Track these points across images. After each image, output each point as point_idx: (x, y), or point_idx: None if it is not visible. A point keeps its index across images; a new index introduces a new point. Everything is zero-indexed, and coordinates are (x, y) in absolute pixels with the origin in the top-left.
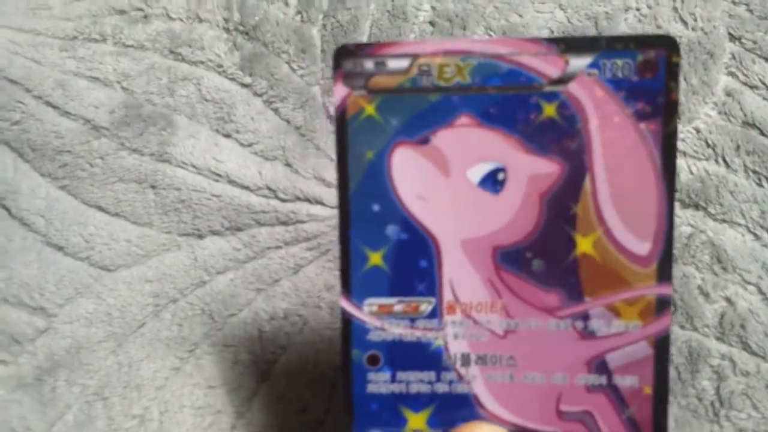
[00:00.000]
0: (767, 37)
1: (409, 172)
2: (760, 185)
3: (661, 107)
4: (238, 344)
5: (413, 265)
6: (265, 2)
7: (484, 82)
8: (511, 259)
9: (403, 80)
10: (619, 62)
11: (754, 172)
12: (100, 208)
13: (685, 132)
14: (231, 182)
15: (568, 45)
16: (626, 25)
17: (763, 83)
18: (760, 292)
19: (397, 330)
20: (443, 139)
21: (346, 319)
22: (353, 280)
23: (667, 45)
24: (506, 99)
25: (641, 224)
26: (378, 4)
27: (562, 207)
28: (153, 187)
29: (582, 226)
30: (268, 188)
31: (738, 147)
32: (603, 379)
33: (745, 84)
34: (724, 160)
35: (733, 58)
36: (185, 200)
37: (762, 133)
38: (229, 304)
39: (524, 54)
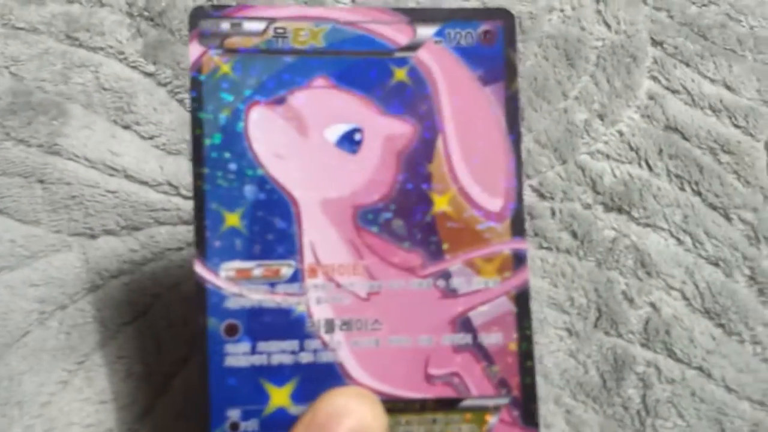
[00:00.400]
0: (687, 42)
1: (266, 132)
2: (682, 189)
3: (502, 71)
4: (133, 355)
5: (272, 226)
6: None
7: (338, 46)
8: (371, 219)
9: (259, 42)
10: (463, 32)
11: (677, 176)
12: None
13: (608, 135)
14: (128, 177)
15: (415, 15)
16: (550, 26)
17: (685, 88)
18: (684, 297)
19: (257, 296)
20: (300, 99)
21: (201, 286)
22: (208, 243)
23: (505, 17)
24: (360, 63)
25: (492, 182)
26: None
27: (418, 166)
28: (41, 181)
29: (437, 185)
30: (170, 184)
31: (661, 151)
32: (468, 338)
33: (667, 88)
34: (647, 164)
35: (656, 62)
36: (77, 196)
37: (684, 138)
38: (123, 310)
39: (375, 22)
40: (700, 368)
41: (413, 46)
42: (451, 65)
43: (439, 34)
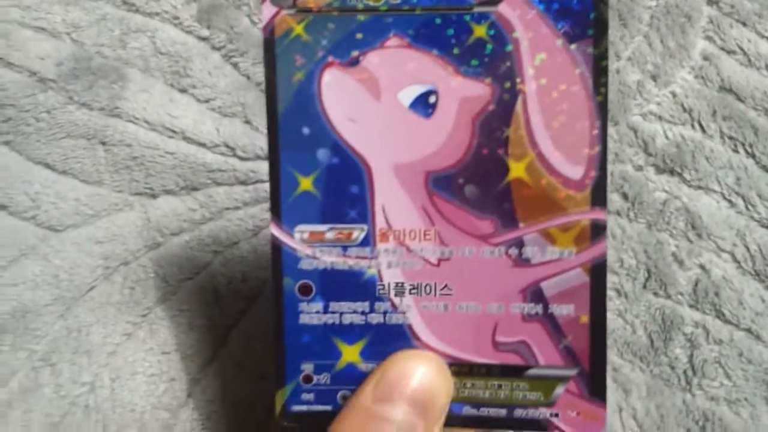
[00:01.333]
0: (744, 1)
1: (340, 95)
2: (735, 151)
3: (591, 28)
4: (194, 309)
5: (345, 190)
6: None
7: (413, 2)
8: (444, 185)
9: (332, 0)
10: None
11: (730, 138)
12: (47, 165)
13: (661, 96)
14: (186, 139)
15: None
16: None
17: (741, 48)
18: (735, 260)
19: (330, 258)
20: (373, 60)
21: (277, 247)
22: (283, 206)
23: None
24: (436, 20)
25: (574, 148)
26: None
27: (494, 131)
28: (103, 143)
29: (514, 150)
30: (226, 146)
31: (714, 112)
32: (539, 308)
33: (722, 49)
34: (701, 125)
35: (711, 22)
36: (137, 157)
37: (738, 99)
38: (184, 267)
39: None
40: (748, 330)
41: (494, 0)
42: (535, 20)
43: None
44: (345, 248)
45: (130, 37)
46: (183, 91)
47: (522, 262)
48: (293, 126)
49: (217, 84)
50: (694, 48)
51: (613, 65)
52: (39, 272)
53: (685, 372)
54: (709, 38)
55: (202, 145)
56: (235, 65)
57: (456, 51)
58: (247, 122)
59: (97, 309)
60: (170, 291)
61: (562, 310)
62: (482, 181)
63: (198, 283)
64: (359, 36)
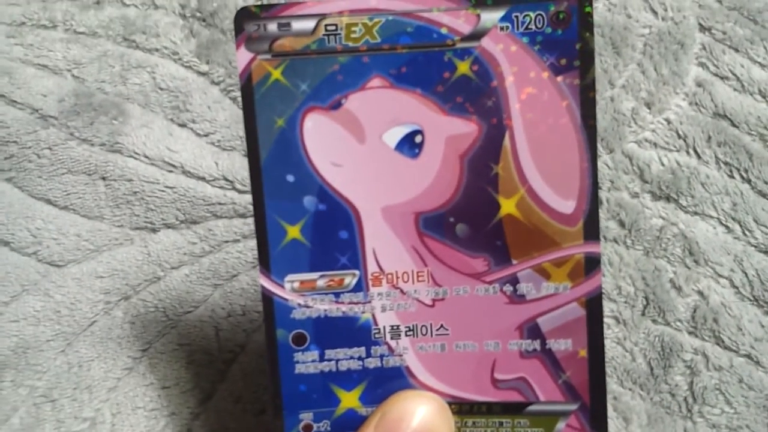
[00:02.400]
0: (737, 27)
1: (323, 139)
2: (731, 177)
3: (577, 58)
4: (194, 343)
5: (334, 236)
6: None
7: (394, 40)
8: (435, 225)
9: (310, 42)
10: (532, 15)
11: (726, 163)
12: (48, 201)
13: (655, 123)
14: (186, 173)
15: None
16: (596, 14)
17: (734, 74)
18: (733, 285)
19: (322, 306)
20: (356, 102)
21: (268, 298)
22: (272, 256)
23: None
24: (418, 58)
25: (564, 182)
26: None
27: (483, 168)
28: (104, 178)
29: (504, 187)
30: (225, 179)
31: (709, 138)
32: (536, 344)
33: (715, 75)
34: (696, 152)
35: (704, 48)
36: (137, 192)
37: (733, 124)
38: (184, 300)
39: (434, 10)
40: (748, 356)
41: (477, 35)
42: (520, 54)
43: (505, 18)
44: (337, 295)
45: (131, 73)
46: (182, 125)
47: (517, 298)
48: (277, 174)
49: (216, 118)
50: (688, 75)
51: (607, 93)
52: (40, 308)
53: (685, 399)
54: (702, 65)
55: (202, 178)
56: (233, 99)
57: (440, 89)
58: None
59: (98, 344)
60: (170, 325)
61: (559, 345)
62: (473, 220)
63: (198, 316)
64: (340, 78)
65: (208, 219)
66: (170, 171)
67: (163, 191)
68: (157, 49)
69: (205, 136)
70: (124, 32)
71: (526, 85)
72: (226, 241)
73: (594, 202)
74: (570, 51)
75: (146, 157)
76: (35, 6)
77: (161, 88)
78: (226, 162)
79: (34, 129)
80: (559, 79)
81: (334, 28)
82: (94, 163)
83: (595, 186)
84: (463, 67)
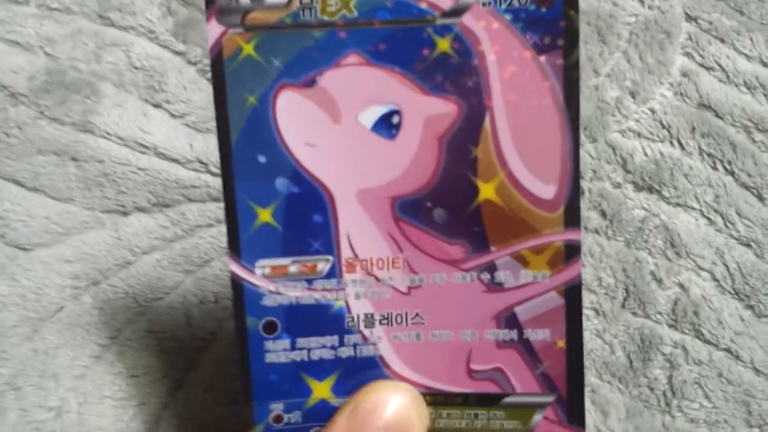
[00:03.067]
0: (723, 18)
1: (296, 118)
2: (714, 168)
3: (561, 38)
4: (164, 330)
5: (307, 220)
6: None
7: (371, 15)
8: (411, 210)
9: (284, 15)
10: None
11: (709, 155)
12: (17, 182)
13: (640, 113)
14: (159, 155)
15: None
16: (582, 2)
17: (719, 65)
18: (714, 278)
19: (294, 293)
20: (331, 80)
21: (237, 285)
22: (242, 240)
23: None
24: (396, 34)
25: (545, 166)
26: None
27: (462, 150)
28: (74, 159)
29: (483, 171)
30: (200, 161)
31: (693, 129)
32: (513, 334)
33: (701, 65)
34: (679, 142)
35: (690, 38)
36: (109, 174)
37: (717, 116)
38: (154, 286)
39: None
40: (728, 350)
41: (458, 11)
42: (502, 32)
43: None
44: (310, 281)
45: (105, 51)
46: (157, 106)
47: (495, 286)
48: (248, 154)
49: (192, 99)
50: (673, 64)
51: (591, 82)
52: (6, 293)
53: (664, 393)
54: (688, 55)
55: (175, 161)
56: (210, 80)
57: (419, 67)
58: None
59: (65, 330)
60: (140, 312)
61: (537, 335)
62: (451, 205)
63: (168, 303)
64: (315, 54)
65: (181, 202)
66: (143, 152)
67: (135, 173)
68: (132, 27)
69: (180, 117)
70: (99, 9)
71: (508, 65)
72: (199, 226)
73: (575, 188)
74: (554, 29)
75: (119, 137)
76: None
77: (136, 68)
78: (200, 144)
79: (3, 107)
80: (542, 58)
81: (309, 1)
82: (65, 143)
83: (576, 171)
84: (443, 45)
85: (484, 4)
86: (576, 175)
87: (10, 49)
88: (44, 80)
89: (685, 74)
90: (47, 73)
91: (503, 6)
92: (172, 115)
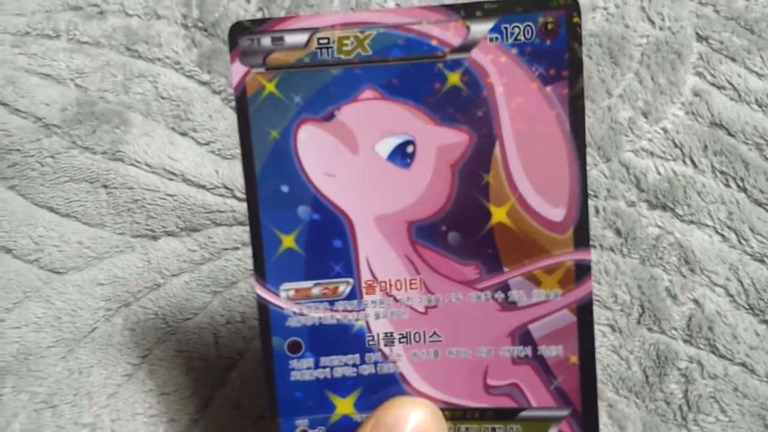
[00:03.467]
0: (734, 37)
1: (316, 150)
2: (727, 186)
3: (566, 69)
4: (193, 349)
5: (328, 245)
6: None
7: (385, 53)
8: (427, 234)
9: (303, 55)
10: (521, 26)
11: (722, 172)
12: (51, 209)
13: (652, 132)
14: (186, 181)
15: (469, 11)
16: (593, 24)
17: (730, 84)
18: (728, 294)
19: (317, 314)
20: (348, 114)
21: (263, 307)
22: (267, 265)
23: (567, 6)
24: (409, 70)
25: (554, 190)
26: (341, 2)
27: (474, 177)
28: (105, 186)
29: (495, 196)
30: (225, 187)
31: (706, 147)
32: (528, 351)
33: (712, 84)
34: (692, 161)
35: (701, 58)
36: (138, 200)
37: (729, 134)
38: (183, 307)
39: (424, 22)
40: (743, 364)
41: (467, 47)
42: (509, 65)
43: (494, 30)
44: (332, 303)
45: (133, 82)
46: (184, 134)
47: (509, 305)
48: (271, 185)
49: (217, 127)
50: (685, 84)
51: (604, 102)
52: (42, 314)
53: (680, 407)
54: (699, 74)
55: (202, 186)
56: (234, 108)
57: (431, 100)
58: None
59: (98, 350)
60: (170, 332)
61: (551, 352)
62: (465, 228)
63: (197, 323)
64: (332, 90)
65: (208, 227)
66: (171, 179)
67: (163, 199)
68: (159, 59)
69: (206, 144)
70: (127, 42)
71: (516, 96)
72: (226, 249)
73: (584, 210)
74: (559, 61)
75: (147, 165)
76: (39, 16)
77: (163, 97)
78: (226, 170)
79: (38, 137)
80: (548, 89)
81: (326, 41)
82: (96, 171)
83: (584, 194)
84: (454, 78)
85: (491, 40)
86: (584, 197)
87: (43, 82)
88: (76, 111)
89: (696, 93)
90: (78, 104)
91: (510, 40)
92: (198, 143)
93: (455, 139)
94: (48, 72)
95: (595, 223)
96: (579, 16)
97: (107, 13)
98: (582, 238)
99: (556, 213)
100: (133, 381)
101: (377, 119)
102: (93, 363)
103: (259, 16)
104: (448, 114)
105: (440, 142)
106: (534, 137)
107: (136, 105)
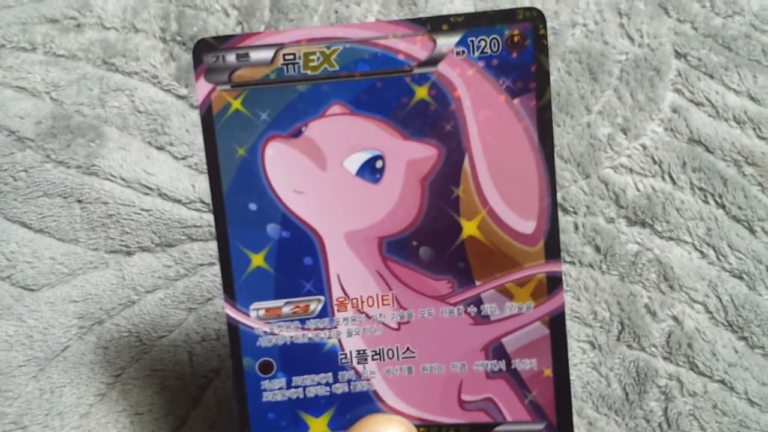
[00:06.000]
0: (712, 54)
1: (284, 167)
2: (706, 202)
3: (533, 81)
4: (167, 368)
5: (298, 263)
6: (205, 12)
7: (352, 68)
8: (398, 249)
9: (269, 72)
10: (487, 39)
11: (700, 189)
12: (23, 224)
13: (631, 148)
14: (162, 195)
15: (434, 25)
16: (573, 40)
17: (708, 100)
18: (707, 310)
19: (288, 333)
20: (316, 130)
21: (233, 327)
22: (236, 285)
23: (533, 18)
24: (376, 84)
25: (524, 202)
26: (321, 17)
27: (444, 191)
28: (79, 201)
29: (465, 209)
30: (202, 201)
31: (684, 164)
32: (502, 364)
33: (691, 101)
34: (671, 177)
35: (679, 75)
36: (113, 215)
37: (708, 150)
38: (158, 325)
39: (390, 37)
40: (722, 381)
41: (434, 60)
42: (476, 78)
43: (461, 43)
44: (303, 321)
45: (110, 96)
46: (160, 148)
47: (481, 319)
48: (239, 203)
49: (194, 141)
50: (664, 101)
51: (583, 119)
52: (13, 332)
53: (660, 425)
54: (677, 91)
55: (178, 201)
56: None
57: (399, 114)
58: None
59: (71, 369)
60: (144, 350)
61: (525, 365)
62: (436, 243)
63: (171, 341)
64: (300, 106)
65: (184, 242)
66: (146, 194)
67: (138, 214)
68: (136, 72)
69: (183, 159)
70: (104, 55)
71: (484, 108)
72: (201, 264)
73: (554, 222)
74: (525, 73)
75: (122, 179)
76: (15, 28)
77: (140, 111)
78: (203, 185)
79: (11, 151)
80: (516, 101)
81: (292, 57)
82: (70, 186)
83: (554, 206)
84: (421, 92)
85: (458, 53)
86: (554, 209)
87: (18, 95)
88: (50, 125)
89: (675, 110)
90: (53, 117)
91: (476, 53)
92: (175, 157)
93: (424, 153)
94: (23, 85)
95: (574, 240)
96: (545, 28)
97: (85, 26)
98: (553, 250)
99: (527, 225)
100: (106, 401)
101: (345, 135)
102: (65, 382)
103: (238, 30)
104: (416, 128)
105: (409, 156)
106: (503, 150)
107: (112, 119)
